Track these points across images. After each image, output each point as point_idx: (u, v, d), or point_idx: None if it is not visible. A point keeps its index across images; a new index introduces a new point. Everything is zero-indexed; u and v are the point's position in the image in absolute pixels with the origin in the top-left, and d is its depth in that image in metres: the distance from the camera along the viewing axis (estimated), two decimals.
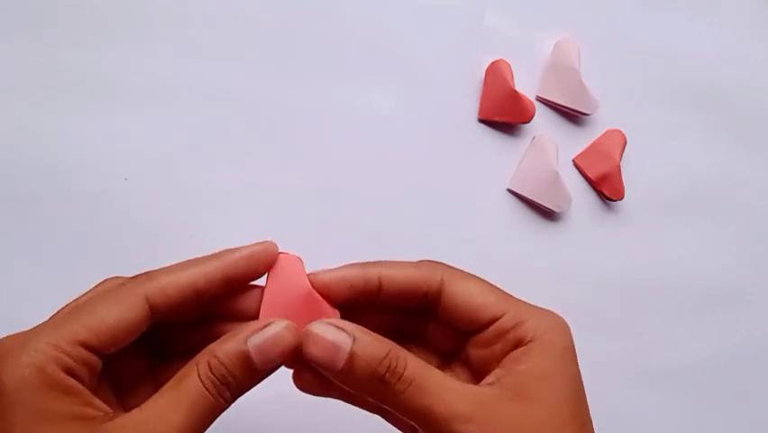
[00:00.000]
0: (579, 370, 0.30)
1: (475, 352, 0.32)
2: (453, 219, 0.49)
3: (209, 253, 0.30)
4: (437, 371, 0.29)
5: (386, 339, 0.29)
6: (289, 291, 0.30)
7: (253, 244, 0.30)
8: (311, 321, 0.30)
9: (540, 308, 0.31)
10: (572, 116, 0.51)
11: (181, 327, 0.31)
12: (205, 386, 0.27)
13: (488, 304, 0.31)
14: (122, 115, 0.46)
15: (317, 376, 0.30)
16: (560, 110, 0.51)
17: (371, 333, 0.29)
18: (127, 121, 0.46)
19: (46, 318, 0.29)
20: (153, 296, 0.28)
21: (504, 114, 0.49)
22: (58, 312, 0.29)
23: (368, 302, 0.31)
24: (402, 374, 0.28)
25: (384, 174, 0.49)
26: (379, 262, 0.31)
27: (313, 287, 0.30)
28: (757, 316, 0.53)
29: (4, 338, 0.27)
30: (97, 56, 0.46)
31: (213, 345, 0.28)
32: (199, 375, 0.27)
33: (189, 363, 0.28)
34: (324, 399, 0.33)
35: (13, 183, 0.44)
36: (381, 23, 0.49)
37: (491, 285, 0.32)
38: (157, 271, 0.29)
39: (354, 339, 0.28)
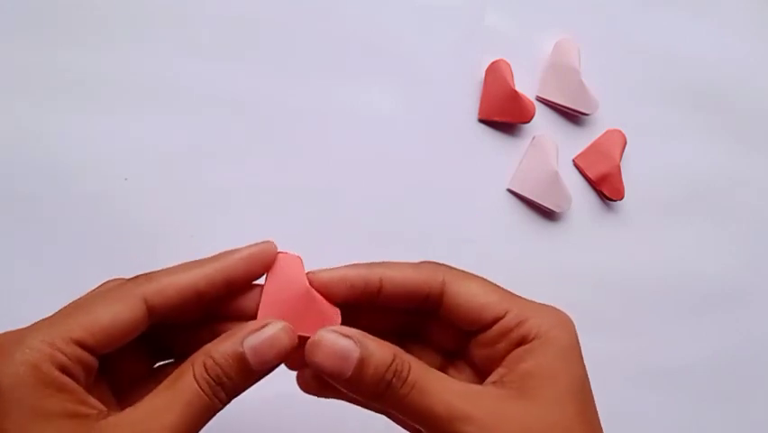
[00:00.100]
0: (584, 367, 0.30)
1: (479, 351, 0.31)
2: (453, 219, 0.49)
3: (209, 252, 0.30)
4: (438, 372, 0.29)
5: (389, 344, 0.29)
6: (288, 290, 0.30)
7: (252, 245, 0.30)
8: (310, 320, 0.29)
9: (544, 306, 0.31)
10: (572, 116, 0.51)
11: (182, 328, 0.31)
12: (200, 386, 0.27)
13: (490, 303, 0.30)
14: (122, 115, 0.46)
15: (321, 378, 0.30)
16: (560, 110, 0.51)
17: (376, 339, 0.29)
18: (127, 121, 0.46)
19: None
20: (152, 297, 0.28)
21: (504, 114, 0.49)
22: (57, 311, 0.29)
23: (368, 303, 0.31)
24: (406, 378, 0.28)
25: (384, 174, 0.49)
26: (381, 263, 0.31)
27: (312, 286, 0.30)
28: (757, 316, 0.53)
29: None
30: (97, 56, 0.46)
31: (208, 346, 0.28)
32: (194, 375, 0.27)
33: (185, 363, 0.28)
34: (323, 399, 0.33)
35: (13, 183, 0.44)
36: (381, 23, 0.49)
37: (493, 284, 0.32)
38: (157, 272, 0.29)
39: (361, 346, 0.28)
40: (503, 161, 0.50)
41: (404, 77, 0.49)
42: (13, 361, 0.26)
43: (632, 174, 0.51)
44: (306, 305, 0.30)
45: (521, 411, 0.28)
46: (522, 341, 0.30)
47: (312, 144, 0.48)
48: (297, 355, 0.29)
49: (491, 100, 0.49)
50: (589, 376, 0.30)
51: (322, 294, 0.30)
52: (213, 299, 0.30)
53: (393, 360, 0.28)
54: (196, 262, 0.30)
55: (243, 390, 0.28)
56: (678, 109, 0.53)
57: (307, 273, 0.31)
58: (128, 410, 0.27)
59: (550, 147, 0.50)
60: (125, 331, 0.28)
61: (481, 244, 0.49)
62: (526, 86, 0.50)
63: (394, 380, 0.28)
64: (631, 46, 0.52)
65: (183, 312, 0.29)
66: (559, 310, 0.31)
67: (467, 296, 0.31)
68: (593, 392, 0.31)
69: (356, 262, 0.31)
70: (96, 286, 0.31)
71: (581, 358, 0.30)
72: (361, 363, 0.28)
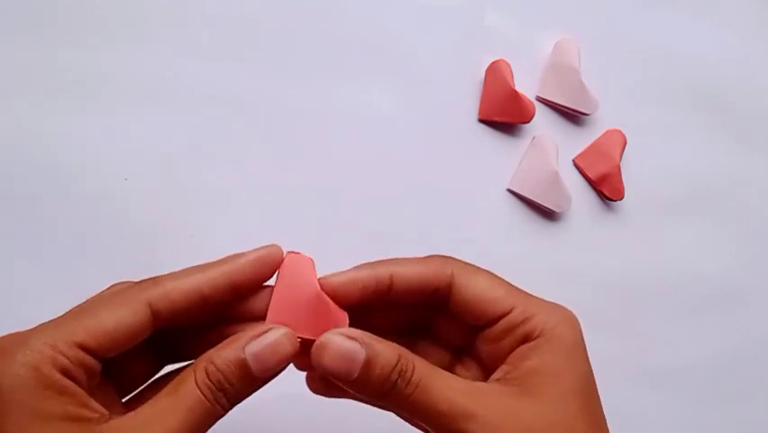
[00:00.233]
0: (589, 364, 0.30)
1: (484, 347, 0.31)
2: (453, 219, 0.49)
3: (209, 252, 0.30)
4: (442, 371, 0.29)
5: (394, 344, 0.29)
6: (298, 293, 0.30)
7: (258, 249, 0.30)
8: (318, 324, 0.29)
9: (549, 303, 0.31)
10: (572, 116, 0.51)
11: (191, 330, 0.31)
12: (201, 392, 0.27)
13: (497, 299, 0.30)
14: (122, 115, 0.46)
15: (328, 380, 0.30)
16: (560, 110, 0.51)
17: (381, 340, 0.29)
18: (127, 121, 0.46)
19: (46, 318, 0.29)
20: (156, 301, 0.28)
21: (504, 114, 0.49)
22: (62, 314, 0.29)
23: (378, 301, 0.31)
24: (410, 378, 0.28)
25: (384, 174, 0.49)
26: (389, 260, 0.31)
27: (323, 291, 0.30)
28: (757, 316, 0.53)
29: (3, 337, 0.27)
30: (97, 56, 0.46)
31: (211, 352, 0.28)
32: (196, 381, 0.27)
33: (187, 369, 0.28)
34: (324, 399, 0.33)
35: (13, 183, 0.44)
36: (381, 23, 0.49)
37: (501, 279, 0.31)
38: (163, 276, 0.29)
39: (367, 348, 0.28)
40: (503, 161, 0.50)
41: (404, 77, 0.49)
42: (14, 362, 0.26)
43: (632, 174, 0.51)
44: (316, 308, 0.30)
45: (524, 409, 0.28)
46: (527, 338, 0.30)
47: (312, 144, 0.48)
48: (305, 358, 0.29)
49: (491, 100, 0.49)
50: None
51: (332, 298, 0.30)
52: (219, 302, 0.30)
53: (398, 360, 0.28)
54: (201, 266, 0.30)
55: (246, 396, 0.28)
56: (678, 109, 0.53)
57: (319, 279, 0.30)
58: (130, 415, 0.27)
59: (550, 147, 0.50)
60: (129, 335, 0.28)
61: (481, 244, 0.49)
62: (526, 86, 0.50)
63: (399, 380, 0.28)
64: (631, 46, 0.52)
65: (189, 316, 0.29)
66: (564, 308, 0.31)
67: (475, 290, 0.31)
68: None
69: (363, 263, 0.31)
70: (104, 289, 0.31)
71: (586, 356, 0.30)
72: (368, 364, 0.28)
